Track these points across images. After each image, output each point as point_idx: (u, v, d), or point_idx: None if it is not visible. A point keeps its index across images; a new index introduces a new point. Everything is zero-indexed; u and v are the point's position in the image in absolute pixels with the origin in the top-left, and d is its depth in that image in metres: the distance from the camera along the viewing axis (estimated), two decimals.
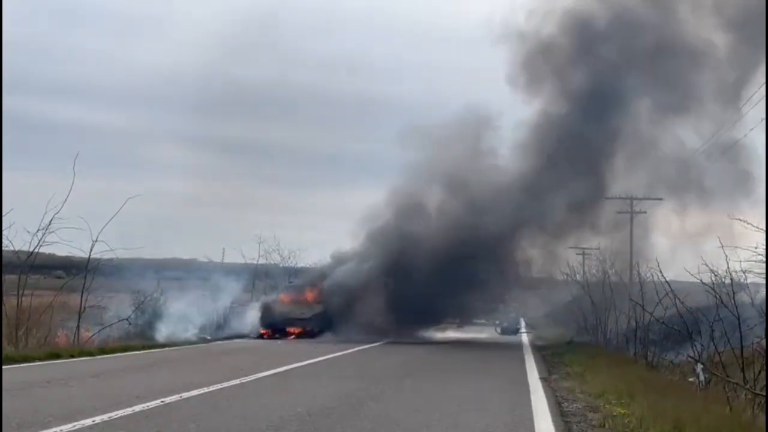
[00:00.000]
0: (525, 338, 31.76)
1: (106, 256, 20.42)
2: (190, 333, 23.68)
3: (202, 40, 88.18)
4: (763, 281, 14.11)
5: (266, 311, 26.50)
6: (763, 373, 11.45)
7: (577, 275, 32.19)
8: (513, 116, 31.07)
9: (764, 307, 12.93)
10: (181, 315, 25.19)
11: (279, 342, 23.60)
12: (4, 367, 11.76)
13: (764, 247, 12.45)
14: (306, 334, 25.60)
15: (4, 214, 17.50)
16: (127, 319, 22.85)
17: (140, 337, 22.22)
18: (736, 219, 13.25)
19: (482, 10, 56.36)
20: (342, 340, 23.52)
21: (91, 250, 19.76)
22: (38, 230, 18.47)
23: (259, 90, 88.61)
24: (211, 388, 10.49)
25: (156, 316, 24.39)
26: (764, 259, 12.98)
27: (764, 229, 11.86)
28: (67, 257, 28.39)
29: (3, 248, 18.18)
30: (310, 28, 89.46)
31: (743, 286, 14.07)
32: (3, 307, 17.40)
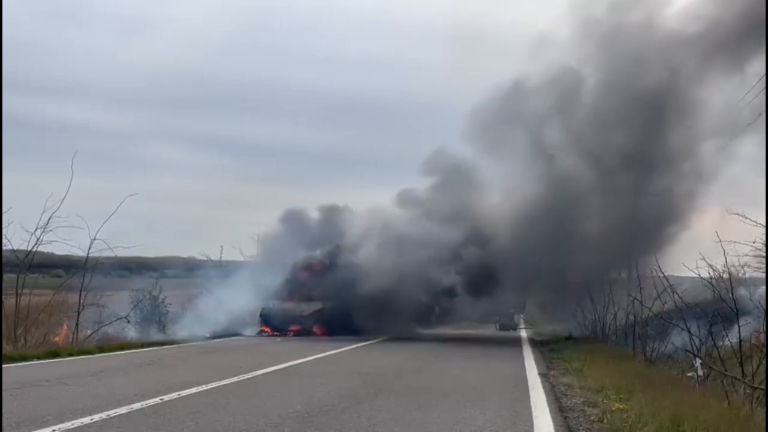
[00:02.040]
0: (524, 334, 31.76)
1: (105, 254, 20.47)
2: (190, 331, 23.67)
3: (199, 40, 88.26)
4: (762, 275, 14.14)
5: (265, 309, 26.46)
6: (762, 368, 11.48)
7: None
8: None
9: (762, 302, 12.95)
10: (181, 313, 25.20)
11: (278, 340, 23.59)
12: (3, 366, 11.77)
13: (762, 242, 12.48)
14: (305, 332, 25.59)
15: (2, 212, 17.52)
16: (125, 317, 22.83)
17: (139, 335, 22.20)
18: (734, 213, 13.28)
19: None
20: (340, 337, 23.51)
21: (89, 248, 19.82)
22: (36, 229, 18.50)
23: (257, 88, 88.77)
24: (209, 386, 10.49)
25: (154, 314, 24.37)
26: (764, 254, 13.01)
27: (764, 224, 11.88)
28: (65, 256, 28.35)
29: (2, 247, 18.20)
30: (304, 27, 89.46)
31: (741, 281, 14.10)
32: (1, 307, 17.40)
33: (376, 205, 29.22)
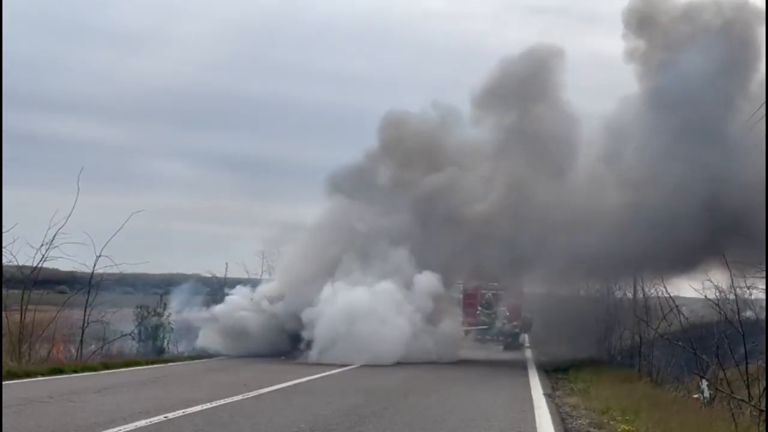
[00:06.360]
0: (528, 353, 31.60)
1: (110, 271, 20.48)
2: (194, 348, 23.61)
3: (201, 56, 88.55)
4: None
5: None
6: None
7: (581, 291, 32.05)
8: None
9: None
10: (185, 330, 25.12)
11: (282, 357, 23.50)
12: (6, 382, 11.77)
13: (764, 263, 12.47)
14: None
15: (8, 230, 17.55)
16: (130, 334, 22.80)
17: (144, 351, 22.17)
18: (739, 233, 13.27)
19: None
20: None
21: (94, 265, 19.83)
22: (42, 245, 18.54)
23: (259, 104, 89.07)
24: (214, 404, 10.46)
25: (159, 331, 24.32)
26: (764, 276, 12.99)
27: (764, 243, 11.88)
28: (70, 272, 28.39)
29: (7, 263, 18.23)
30: (305, 42, 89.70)
31: (748, 303, 14.04)
32: (5, 322, 17.40)
33: None
